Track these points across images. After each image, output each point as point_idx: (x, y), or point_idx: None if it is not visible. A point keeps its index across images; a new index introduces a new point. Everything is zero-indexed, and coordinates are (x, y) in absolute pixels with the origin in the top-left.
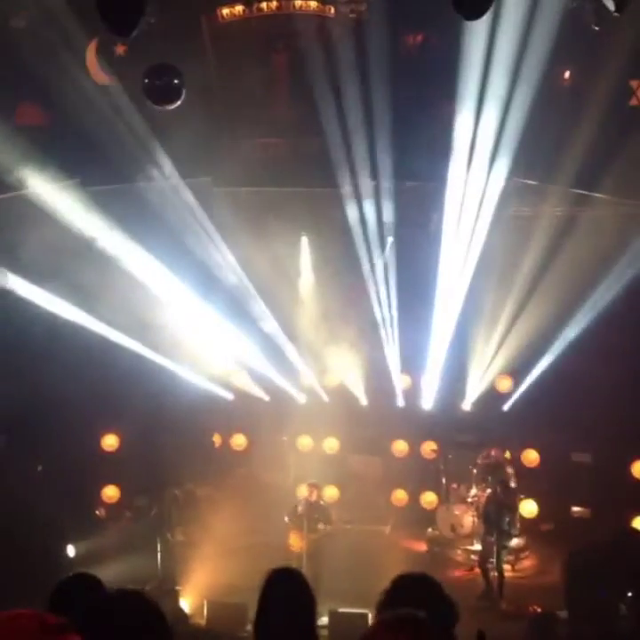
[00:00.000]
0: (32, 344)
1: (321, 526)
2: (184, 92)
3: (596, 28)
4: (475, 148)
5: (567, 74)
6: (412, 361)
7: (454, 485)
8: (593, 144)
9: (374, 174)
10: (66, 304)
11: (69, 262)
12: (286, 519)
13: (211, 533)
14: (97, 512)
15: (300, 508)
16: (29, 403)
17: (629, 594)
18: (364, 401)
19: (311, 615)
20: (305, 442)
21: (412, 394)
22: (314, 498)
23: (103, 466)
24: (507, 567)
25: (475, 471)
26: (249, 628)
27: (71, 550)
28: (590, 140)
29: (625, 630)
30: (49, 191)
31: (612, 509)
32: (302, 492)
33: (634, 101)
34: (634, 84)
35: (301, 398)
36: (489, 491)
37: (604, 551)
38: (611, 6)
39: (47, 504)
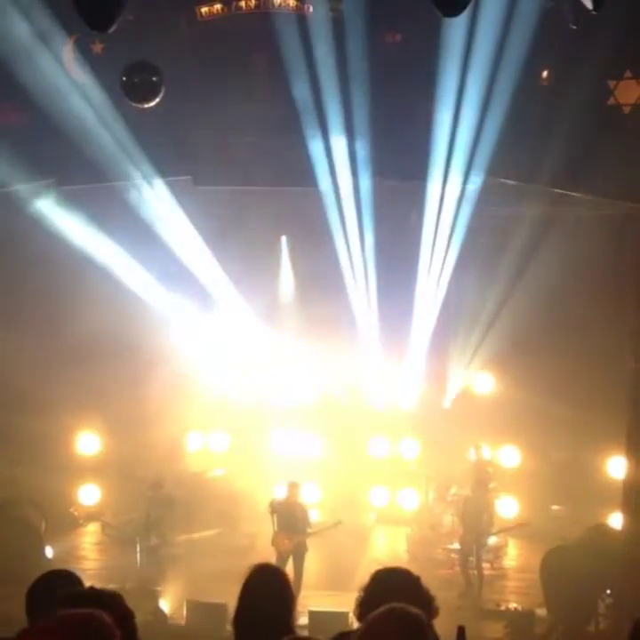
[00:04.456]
0: (10, 344)
1: (301, 525)
2: (163, 89)
3: (574, 28)
4: (454, 147)
5: (545, 73)
6: (393, 359)
7: (434, 484)
8: (571, 144)
9: (354, 173)
10: (46, 304)
11: (48, 261)
12: (269, 510)
13: (190, 533)
14: (75, 513)
15: (278, 506)
16: (6, 402)
17: (608, 591)
18: (344, 399)
19: (290, 612)
20: (286, 441)
21: (393, 392)
22: (294, 497)
23: (82, 466)
24: (486, 565)
25: (454, 470)
26: (229, 628)
27: (49, 551)
28: (569, 139)
29: (603, 627)
30: (26, 190)
31: (592, 508)
32: (282, 490)
33: (612, 101)
34: (612, 83)
35: (283, 397)
36: (468, 489)
37: (581, 549)
38: (588, 5)
39: (25, 505)
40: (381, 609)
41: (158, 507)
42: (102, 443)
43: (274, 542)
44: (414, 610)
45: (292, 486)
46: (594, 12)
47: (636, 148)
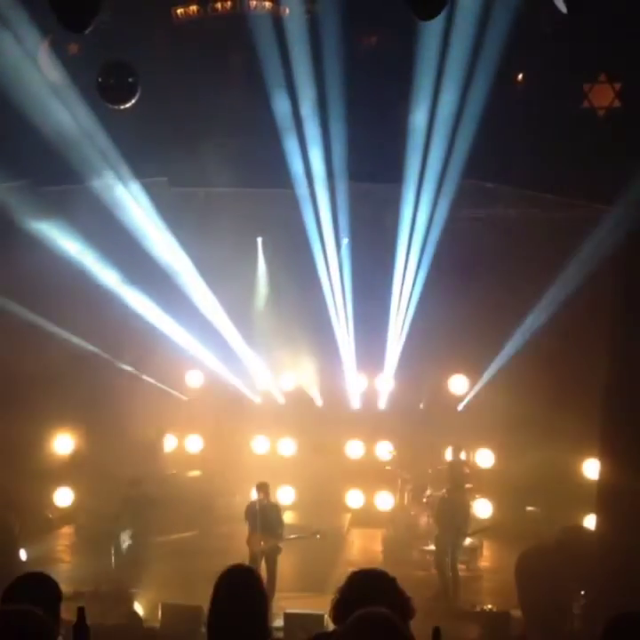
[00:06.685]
0: None
1: (275, 526)
2: (138, 90)
3: (550, 31)
4: (429, 150)
5: (520, 76)
6: (368, 361)
7: (409, 486)
8: (546, 146)
9: (329, 174)
10: (19, 305)
11: (22, 262)
12: (245, 515)
13: (165, 535)
14: (50, 515)
15: (253, 508)
16: None
17: (582, 592)
18: (319, 402)
19: (264, 612)
20: (260, 443)
21: (368, 394)
22: (265, 497)
23: (56, 467)
24: (461, 567)
25: (430, 471)
26: (204, 630)
27: (23, 554)
28: (544, 141)
29: (577, 628)
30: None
31: (566, 509)
32: (254, 492)
33: (586, 104)
34: (586, 87)
35: (257, 399)
36: (443, 491)
37: (556, 550)
38: (563, 9)
39: None
40: (354, 615)
41: (136, 504)
42: (77, 444)
43: (248, 542)
44: (384, 611)
45: (261, 486)
46: (568, 16)
47: (609, 152)
